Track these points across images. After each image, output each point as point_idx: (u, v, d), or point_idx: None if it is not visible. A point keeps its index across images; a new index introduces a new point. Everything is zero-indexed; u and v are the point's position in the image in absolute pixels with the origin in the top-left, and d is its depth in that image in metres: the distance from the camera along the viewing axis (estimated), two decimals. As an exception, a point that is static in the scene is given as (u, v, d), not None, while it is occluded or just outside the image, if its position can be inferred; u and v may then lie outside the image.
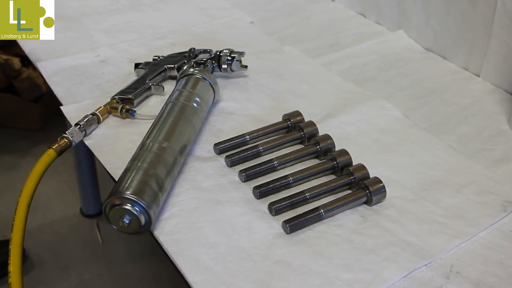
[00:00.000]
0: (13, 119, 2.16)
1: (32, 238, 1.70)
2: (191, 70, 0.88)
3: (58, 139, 0.80)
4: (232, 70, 0.98)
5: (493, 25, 0.97)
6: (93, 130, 0.85)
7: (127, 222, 0.65)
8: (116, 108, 0.87)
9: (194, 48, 1.02)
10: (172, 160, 0.73)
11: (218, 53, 0.98)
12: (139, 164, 0.70)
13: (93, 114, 0.85)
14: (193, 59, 1.00)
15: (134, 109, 0.88)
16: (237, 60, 0.98)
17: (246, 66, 0.99)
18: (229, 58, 0.97)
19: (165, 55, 1.02)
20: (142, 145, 0.74)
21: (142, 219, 0.66)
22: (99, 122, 0.86)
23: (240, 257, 0.64)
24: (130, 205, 0.65)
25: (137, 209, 0.65)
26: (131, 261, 1.68)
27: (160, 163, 0.71)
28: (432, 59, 1.11)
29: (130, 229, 0.66)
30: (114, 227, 0.67)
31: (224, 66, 0.98)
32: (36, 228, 1.76)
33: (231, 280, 0.62)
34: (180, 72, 0.91)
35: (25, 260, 1.64)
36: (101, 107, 0.87)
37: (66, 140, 0.80)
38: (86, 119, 0.84)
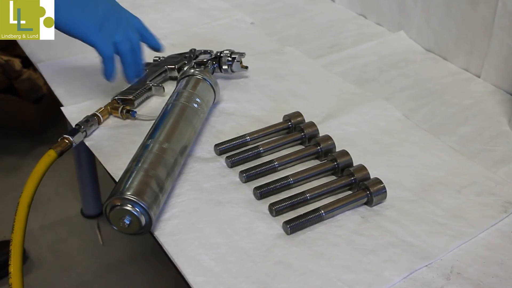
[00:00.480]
0: (13, 120, 2.17)
1: (32, 239, 1.70)
2: (192, 70, 0.88)
3: (59, 140, 0.80)
4: (232, 71, 0.99)
5: (493, 26, 0.97)
6: (93, 131, 0.85)
7: (128, 223, 0.65)
8: (117, 109, 0.87)
9: (194, 49, 1.02)
10: (173, 160, 0.73)
11: (218, 54, 0.98)
12: (139, 164, 0.70)
13: (94, 115, 0.85)
14: (194, 59, 1.00)
15: (134, 110, 0.88)
16: (237, 61, 0.98)
17: (246, 67, 0.99)
18: (229, 59, 0.97)
19: (165, 56, 1.02)
20: (143, 145, 0.74)
21: (143, 220, 0.66)
22: (99, 123, 0.86)
23: (241, 258, 0.64)
24: (130, 206, 0.65)
25: (137, 209, 0.65)
26: (132, 262, 1.68)
27: (161, 164, 0.71)
28: (432, 60, 1.11)
29: (131, 230, 0.66)
30: (115, 228, 0.67)
31: (225, 67, 0.98)
32: (36, 229, 1.76)
33: (231, 281, 0.62)
34: (181, 73, 0.91)
35: (25, 261, 1.64)
36: (101, 107, 0.87)
37: (67, 141, 0.80)
38: (87, 119, 0.84)
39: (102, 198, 1.81)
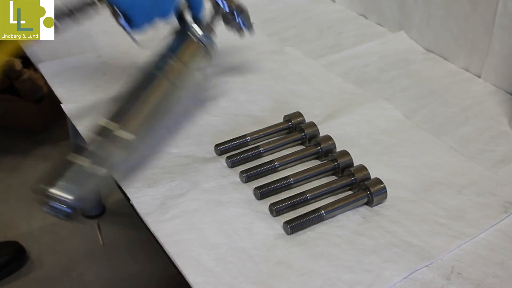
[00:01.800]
0: (14, 120, 2.16)
1: (32, 239, 1.70)
2: (189, 30, 0.83)
3: None
4: (242, 25, 0.90)
5: (494, 26, 0.97)
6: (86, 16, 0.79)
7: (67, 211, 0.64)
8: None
9: None
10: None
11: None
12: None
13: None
14: None
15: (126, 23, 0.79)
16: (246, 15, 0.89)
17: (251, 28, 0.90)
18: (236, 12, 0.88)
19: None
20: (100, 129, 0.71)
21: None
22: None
23: (241, 258, 0.64)
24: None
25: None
26: (132, 262, 1.68)
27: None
28: (433, 60, 1.11)
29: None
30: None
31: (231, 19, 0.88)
32: (36, 229, 1.76)
33: (232, 281, 0.62)
34: (176, 28, 0.85)
35: (26, 261, 1.64)
36: None
37: None
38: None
39: (102, 199, 1.81)
